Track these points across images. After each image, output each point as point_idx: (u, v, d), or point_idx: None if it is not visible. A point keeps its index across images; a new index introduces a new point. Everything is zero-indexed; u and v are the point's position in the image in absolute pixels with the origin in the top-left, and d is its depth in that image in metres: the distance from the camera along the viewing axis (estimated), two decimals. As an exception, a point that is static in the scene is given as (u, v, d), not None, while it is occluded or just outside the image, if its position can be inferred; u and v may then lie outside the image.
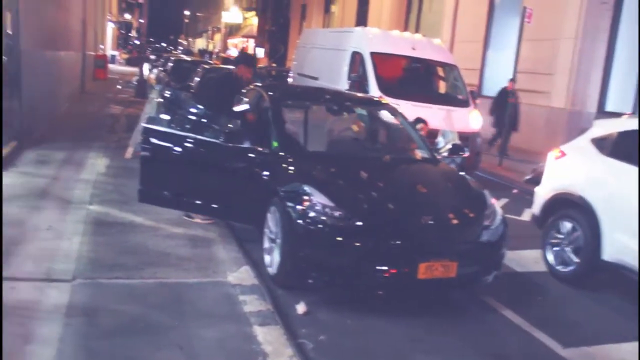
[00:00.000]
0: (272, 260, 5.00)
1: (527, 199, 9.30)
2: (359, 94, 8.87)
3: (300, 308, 4.53)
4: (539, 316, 4.84)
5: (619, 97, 13.75)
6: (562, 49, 14.26)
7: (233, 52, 52.58)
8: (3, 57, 7.63)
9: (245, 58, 7.16)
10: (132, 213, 6.18)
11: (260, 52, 45.27)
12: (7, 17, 7.75)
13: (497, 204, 5.39)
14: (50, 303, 3.98)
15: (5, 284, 4.14)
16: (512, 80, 13.04)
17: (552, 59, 14.30)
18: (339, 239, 4.51)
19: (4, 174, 6.99)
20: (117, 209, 6.29)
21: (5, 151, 7.67)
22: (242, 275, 4.86)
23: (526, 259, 6.31)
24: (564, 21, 14.29)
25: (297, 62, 15.73)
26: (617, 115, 12.74)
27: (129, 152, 9.08)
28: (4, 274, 4.29)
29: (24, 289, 4.16)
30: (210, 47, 70.30)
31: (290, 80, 16.11)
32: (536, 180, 10.54)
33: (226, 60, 29.18)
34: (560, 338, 4.62)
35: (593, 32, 13.81)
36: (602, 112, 13.56)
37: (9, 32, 7.93)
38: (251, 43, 51.83)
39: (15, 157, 8.06)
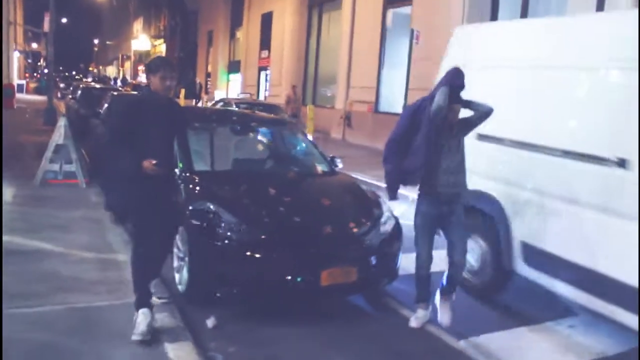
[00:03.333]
0: (182, 277, 4.90)
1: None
2: (264, 115, 8.85)
3: (210, 322, 4.48)
4: (435, 314, 4.95)
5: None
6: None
7: (143, 79, 51.34)
8: None
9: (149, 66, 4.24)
10: (40, 240, 5.99)
11: (170, 78, 44.56)
12: None
13: (394, 211, 5.50)
14: (-45, 337, 3.74)
15: None
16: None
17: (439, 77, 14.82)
18: (243, 252, 4.52)
19: None
20: (23, 237, 6.01)
21: None
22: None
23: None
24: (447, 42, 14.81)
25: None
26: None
27: (37, 179, 8.58)
28: None
29: None
30: (121, 75, 68.45)
31: None
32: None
33: (137, 87, 28.43)
34: (454, 332, 4.75)
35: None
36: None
37: None
38: (161, 69, 50.88)
39: None
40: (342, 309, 5.20)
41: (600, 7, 11.97)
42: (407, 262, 5.30)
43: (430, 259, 4.79)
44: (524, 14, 14.06)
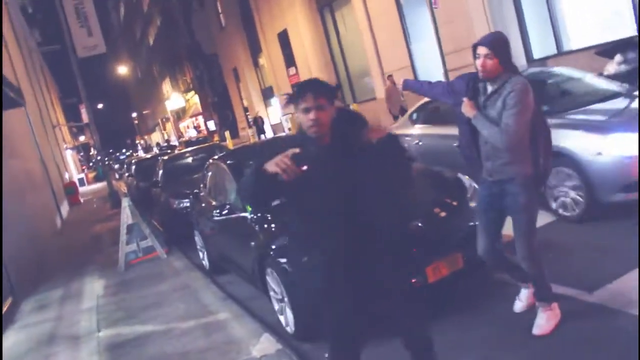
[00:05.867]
0: (287, 319, 4.73)
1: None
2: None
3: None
4: (556, 272, 4.53)
5: (541, 44, 13.84)
6: (475, 19, 14.37)
7: (192, 133, 52.28)
8: None
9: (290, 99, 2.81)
10: (140, 324, 5.97)
11: (212, 125, 45.33)
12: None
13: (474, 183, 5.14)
14: None
15: None
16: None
17: (469, 32, 14.37)
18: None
19: (7, 333, 6.59)
20: (126, 326, 6.00)
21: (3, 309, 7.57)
22: (264, 345, 4.60)
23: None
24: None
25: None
26: (545, 60, 12.90)
27: (121, 265, 8.67)
28: None
29: None
30: (165, 137, 70.33)
31: None
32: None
33: (189, 143, 28.79)
34: (583, 285, 4.35)
35: (497, -6, 13.96)
36: (532, 61, 13.69)
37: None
38: (201, 120, 51.98)
39: (14, 313, 7.79)
40: (458, 298, 4.86)
41: None
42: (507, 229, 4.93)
43: (487, 245, 4.00)
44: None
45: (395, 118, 16.24)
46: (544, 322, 3.93)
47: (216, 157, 7.83)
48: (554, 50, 13.71)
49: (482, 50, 3.61)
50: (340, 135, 2.74)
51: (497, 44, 3.63)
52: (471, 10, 14.66)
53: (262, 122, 31.44)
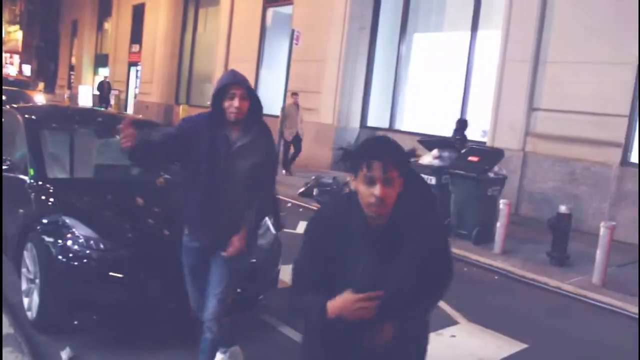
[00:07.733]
0: (31, 303, 4.33)
1: (300, 212, 9.40)
2: (135, 116, 8.28)
3: (65, 354, 3.94)
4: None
5: (377, 114, 14.75)
6: (327, 69, 14.95)
7: (11, 71, 46.82)
8: None
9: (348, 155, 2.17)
10: None
11: (27, 70, 41.71)
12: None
13: (270, 222, 5.19)
14: None
15: None
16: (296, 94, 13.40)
17: (319, 79, 14.92)
18: (104, 273, 4.02)
19: None
20: None
21: None
22: (-6, 326, 4.10)
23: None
24: (328, 44, 15.00)
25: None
26: (375, 130, 13.76)
27: None
28: None
29: None
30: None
31: None
32: (308, 193, 10.78)
33: (4, 82, 25.55)
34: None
35: (354, 55, 14.72)
36: (364, 127, 14.48)
37: None
38: (16, 59, 47.41)
39: None
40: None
41: (477, 6, 12.58)
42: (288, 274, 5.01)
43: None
44: (405, 15, 14.47)
45: (289, 145, 14.05)
46: None
47: (16, 105, 7.13)
48: (386, 125, 14.67)
49: (238, 90, 3.46)
50: (398, 221, 2.12)
51: (249, 85, 3.58)
52: (328, 59, 15.25)
53: (109, 89, 26.16)
